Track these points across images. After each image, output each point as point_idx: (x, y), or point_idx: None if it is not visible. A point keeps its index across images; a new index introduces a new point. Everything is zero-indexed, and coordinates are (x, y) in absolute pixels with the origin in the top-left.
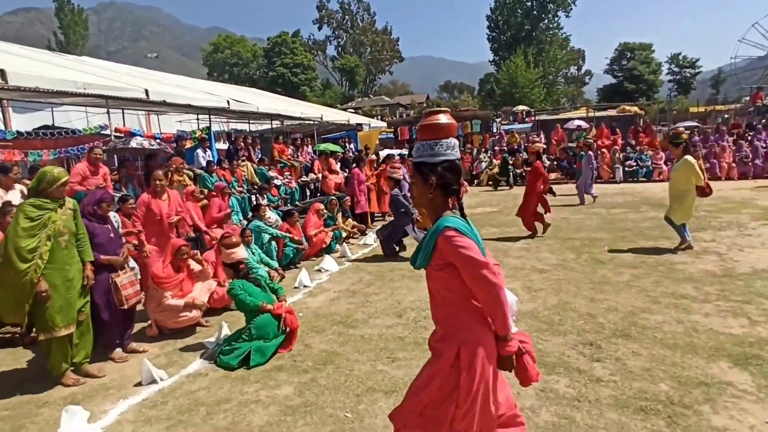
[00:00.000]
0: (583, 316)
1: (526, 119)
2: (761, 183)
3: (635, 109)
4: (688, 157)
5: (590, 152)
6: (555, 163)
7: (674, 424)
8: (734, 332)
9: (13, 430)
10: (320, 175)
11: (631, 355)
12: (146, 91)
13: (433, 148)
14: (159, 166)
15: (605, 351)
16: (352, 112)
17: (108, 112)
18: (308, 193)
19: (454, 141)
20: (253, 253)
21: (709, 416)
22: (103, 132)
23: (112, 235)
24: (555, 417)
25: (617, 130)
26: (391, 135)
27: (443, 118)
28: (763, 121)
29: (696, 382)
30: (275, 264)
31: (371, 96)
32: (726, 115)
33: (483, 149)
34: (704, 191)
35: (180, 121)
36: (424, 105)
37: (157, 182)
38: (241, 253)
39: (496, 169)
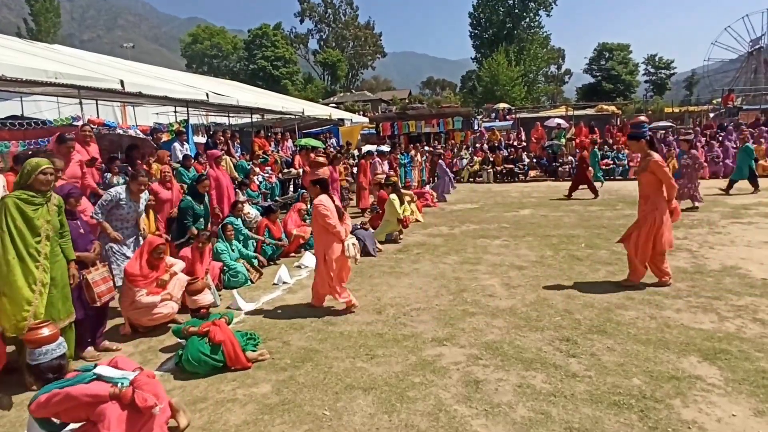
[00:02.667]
0: (560, 312)
1: (507, 117)
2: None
3: (613, 108)
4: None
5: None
6: (534, 161)
7: (646, 418)
8: (704, 327)
9: None
10: (301, 170)
11: (605, 350)
12: (121, 82)
13: None
14: (141, 157)
15: (581, 346)
16: (334, 107)
17: (81, 103)
18: (290, 188)
19: None
20: (233, 250)
21: (680, 410)
22: (75, 123)
23: (81, 230)
24: (531, 412)
25: (595, 128)
26: (373, 130)
27: None
28: (733, 122)
29: (667, 376)
30: (254, 256)
31: (353, 91)
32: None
33: (464, 146)
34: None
35: (157, 114)
36: (407, 101)
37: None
38: (205, 299)
39: (477, 166)
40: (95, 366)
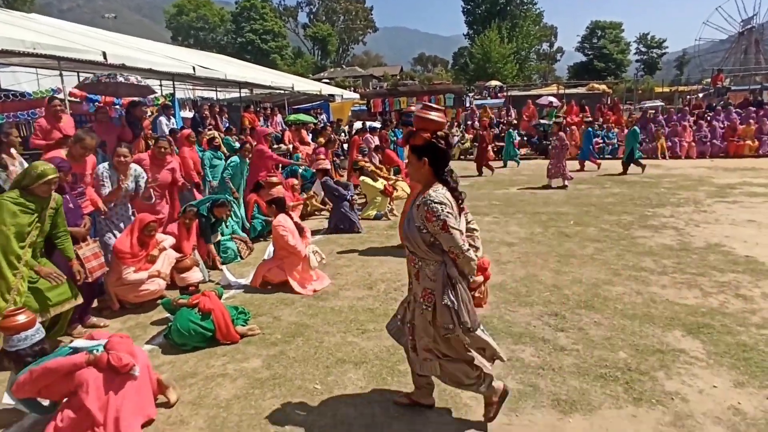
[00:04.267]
0: (549, 288)
1: (499, 95)
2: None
3: (604, 87)
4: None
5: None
6: (525, 139)
7: (631, 390)
8: (688, 303)
9: None
10: (291, 146)
11: (593, 325)
12: (104, 54)
13: None
14: (142, 114)
15: (569, 321)
16: (327, 83)
17: (61, 75)
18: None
19: None
20: (226, 226)
21: (663, 381)
22: (56, 96)
23: (71, 205)
24: (520, 384)
25: (586, 107)
26: (364, 107)
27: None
28: (722, 102)
29: (652, 350)
30: (245, 236)
31: (344, 66)
32: (690, 96)
33: (456, 123)
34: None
35: None
36: (398, 77)
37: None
38: (194, 276)
39: (468, 144)
40: (71, 342)
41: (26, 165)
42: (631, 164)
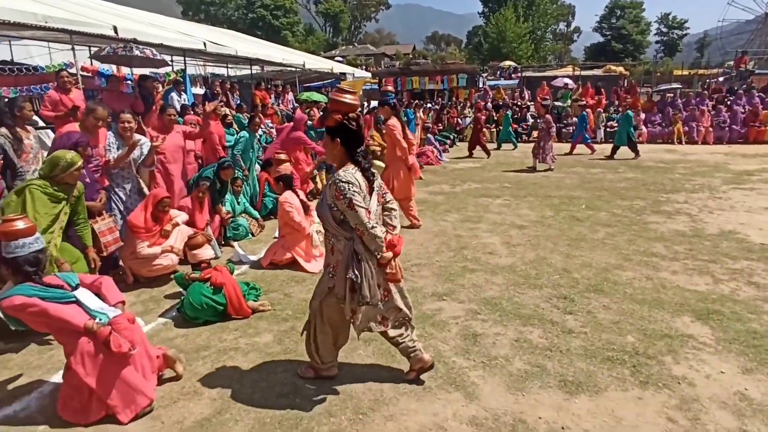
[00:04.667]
0: (558, 271)
1: (513, 75)
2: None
3: (621, 69)
4: (392, 120)
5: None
6: (538, 121)
7: (638, 373)
8: (699, 289)
9: None
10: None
11: (601, 308)
12: (114, 28)
13: None
14: (154, 87)
15: (578, 304)
16: (340, 61)
17: (73, 49)
18: None
19: None
20: (238, 203)
21: (671, 366)
22: (69, 70)
23: (87, 179)
24: (527, 365)
25: (602, 90)
26: (376, 86)
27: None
28: (744, 86)
29: (660, 334)
30: (257, 214)
31: (356, 44)
32: (711, 80)
33: (468, 104)
34: None
35: None
36: (411, 56)
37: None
38: (206, 254)
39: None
40: (77, 286)
41: (42, 138)
42: (618, 149)
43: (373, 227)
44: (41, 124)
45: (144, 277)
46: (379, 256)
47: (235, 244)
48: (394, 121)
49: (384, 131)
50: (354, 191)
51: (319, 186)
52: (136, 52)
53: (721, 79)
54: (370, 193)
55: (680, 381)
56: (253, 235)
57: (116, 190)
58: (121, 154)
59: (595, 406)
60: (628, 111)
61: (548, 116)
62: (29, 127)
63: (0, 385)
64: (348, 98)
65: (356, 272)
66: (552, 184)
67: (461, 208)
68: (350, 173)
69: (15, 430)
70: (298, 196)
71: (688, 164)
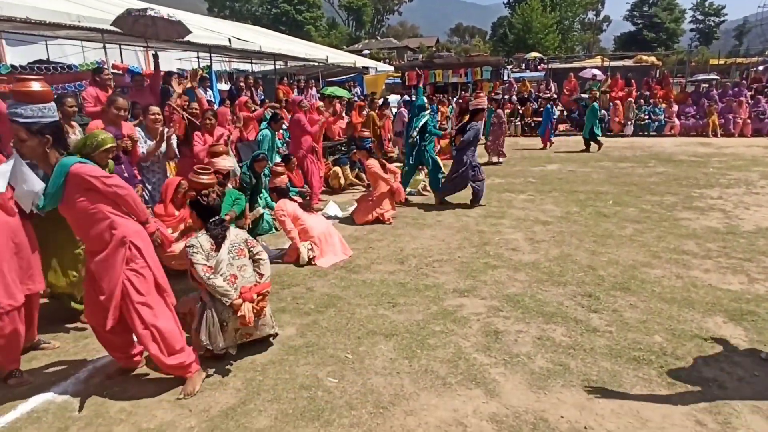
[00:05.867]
0: (583, 268)
1: (539, 67)
2: None
3: (652, 59)
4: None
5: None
6: (565, 114)
7: (665, 374)
8: (732, 288)
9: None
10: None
11: (628, 307)
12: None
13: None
14: (173, 81)
15: (603, 302)
16: (364, 55)
17: (104, 47)
18: None
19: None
20: (259, 197)
21: (701, 368)
22: (102, 67)
23: (126, 174)
24: (550, 363)
25: (632, 81)
26: (398, 80)
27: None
28: None
29: (690, 335)
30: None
31: (378, 38)
32: (750, 68)
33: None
34: None
35: (180, 59)
36: (434, 49)
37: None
38: (224, 163)
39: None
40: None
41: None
42: (590, 142)
43: (209, 278)
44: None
45: (174, 269)
46: (228, 303)
47: (259, 239)
48: (371, 161)
49: (366, 171)
50: (194, 252)
51: (342, 182)
52: (150, 13)
53: (761, 68)
54: (217, 250)
55: (710, 383)
56: (276, 229)
57: (145, 183)
58: (152, 147)
59: (619, 406)
60: (594, 104)
61: (499, 111)
62: (74, 122)
63: (38, 371)
64: (204, 179)
65: (198, 320)
66: (578, 179)
67: (484, 203)
68: (195, 239)
69: (52, 415)
70: (294, 202)
71: (723, 158)
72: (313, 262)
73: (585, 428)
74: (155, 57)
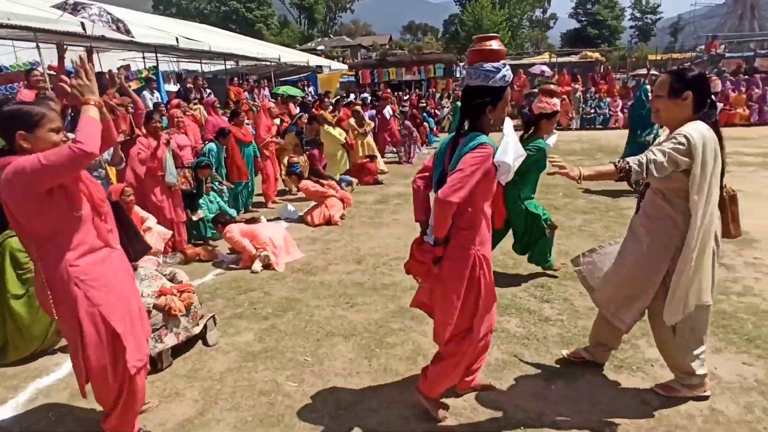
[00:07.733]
0: None
1: None
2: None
3: (597, 55)
4: None
5: None
6: (516, 110)
7: (612, 357)
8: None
9: None
10: (278, 120)
11: (578, 295)
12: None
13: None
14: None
15: (555, 292)
16: (318, 54)
17: (38, 47)
18: None
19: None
20: (211, 202)
21: (644, 349)
22: (35, 69)
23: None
24: (505, 354)
25: (578, 76)
26: (353, 78)
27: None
28: (715, 70)
29: None
30: (233, 212)
31: (331, 36)
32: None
33: (446, 94)
34: None
35: (123, 60)
36: (387, 47)
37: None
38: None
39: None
40: None
41: None
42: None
43: None
44: None
45: None
46: (151, 305)
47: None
48: (303, 183)
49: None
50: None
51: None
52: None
53: (688, 64)
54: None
55: (653, 363)
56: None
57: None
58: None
59: (572, 390)
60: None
61: (407, 122)
62: None
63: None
64: None
65: None
66: None
67: None
68: None
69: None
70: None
71: None
72: (272, 267)
73: (540, 416)
74: (88, 52)
